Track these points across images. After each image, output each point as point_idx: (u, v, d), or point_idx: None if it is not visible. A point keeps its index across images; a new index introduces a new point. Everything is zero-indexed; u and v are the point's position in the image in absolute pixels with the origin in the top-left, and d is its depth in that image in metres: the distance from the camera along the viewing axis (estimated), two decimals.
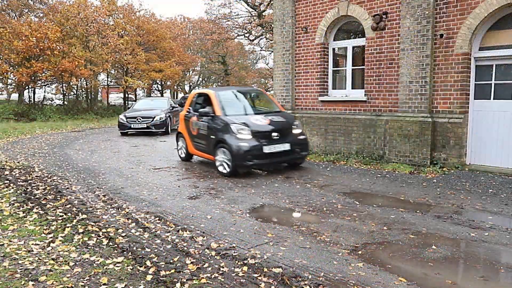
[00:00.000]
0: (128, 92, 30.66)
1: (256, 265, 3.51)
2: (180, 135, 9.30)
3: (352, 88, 9.49)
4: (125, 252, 3.82)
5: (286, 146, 7.43)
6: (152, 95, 38.44)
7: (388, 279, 3.24)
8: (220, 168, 7.50)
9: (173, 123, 16.11)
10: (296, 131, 7.82)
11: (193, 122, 8.50)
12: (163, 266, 3.51)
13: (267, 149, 7.20)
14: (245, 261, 3.58)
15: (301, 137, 7.91)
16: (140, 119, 15.03)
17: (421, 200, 5.64)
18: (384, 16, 8.42)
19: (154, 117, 15.12)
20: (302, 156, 7.98)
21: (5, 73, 21.78)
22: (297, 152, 7.72)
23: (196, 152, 8.60)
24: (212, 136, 7.75)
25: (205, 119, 8.02)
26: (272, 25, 11.98)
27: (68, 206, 5.43)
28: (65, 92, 25.30)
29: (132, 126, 15.03)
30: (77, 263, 3.55)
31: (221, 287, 3.13)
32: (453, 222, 4.65)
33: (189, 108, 9.02)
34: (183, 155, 9.25)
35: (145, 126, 14.96)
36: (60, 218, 4.88)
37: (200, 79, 50.38)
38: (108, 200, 5.77)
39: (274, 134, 7.36)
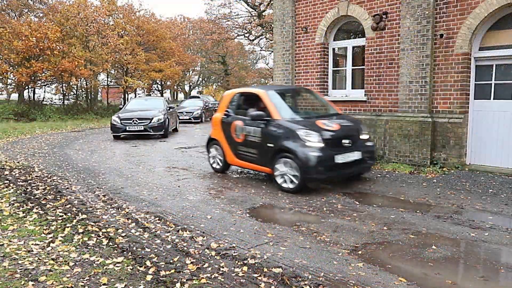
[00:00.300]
0: (128, 92, 30.66)
1: (256, 265, 3.51)
2: (214, 142, 7.91)
3: (352, 88, 9.49)
4: (125, 252, 3.82)
5: (357, 155, 6.36)
6: (152, 95, 38.38)
7: (388, 279, 3.24)
8: (282, 183, 6.24)
9: (170, 124, 15.09)
10: (364, 136, 6.78)
11: (238, 127, 7.17)
12: (163, 266, 3.51)
13: (339, 159, 6.10)
14: (245, 261, 3.58)
15: (369, 143, 6.86)
16: (136, 120, 13.45)
17: (421, 200, 5.64)
18: (384, 16, 8.42)
19: (152, 119, 13.59)
20: (370, 165, 6.97)
21: (5, 73, 21.80)
22: (366, 161, 6.64)
23: (240, 162, 7.28)
24: (269, 144, 6.47)
25: (257, 124, 6.72)
26: (272, 25, 11.98)
27: (68, 206, 5.43)
28: (65, 92, 25.31)
29: (127, 129, 13.42)
30: (77, 263, 3.55)
31: (221, 287, 3.13)
32: (453, 222, 4.65)
33: (227, 111, 7.69)
34: (218, 166, 7.85)
35: (142, 129, 13.43)
36: (60, 218, 4.88)
37: (200, 79, 50.41)
38: (108, 200, 5.77)
39: (345, 141, 6.27)
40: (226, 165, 7.73)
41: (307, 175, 5.97)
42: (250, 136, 6.92)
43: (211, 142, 8.07)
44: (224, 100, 8.06)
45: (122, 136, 13.90)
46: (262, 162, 6.69)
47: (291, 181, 6.12)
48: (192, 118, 21.11)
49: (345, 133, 6.41)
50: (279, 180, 6.30)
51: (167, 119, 14.20)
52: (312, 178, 6.09)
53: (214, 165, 7.98)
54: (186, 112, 21.57)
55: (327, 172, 6.04)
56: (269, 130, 6.53)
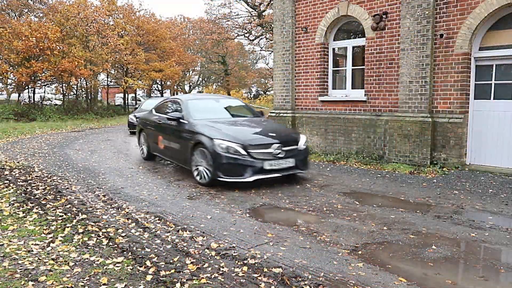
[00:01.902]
0: (129, 93, 30.65)
1: (256, 265, 3.51)
2: None
3: (352, 88, 9.49)
4: (125, 252, 3.82)
5: None
6: (151, 95, 38.33)
7: (388, 279, 3.24)
8: None
9: None
10: None
11: None
12: (163, 266, 3.51)
13: None
14: (245, 261, 3.58)
15: None
16: (279, 148, 6.49)
17: (421, 200, 5.64)
18: (384, 16, 8.42)
19: (297, 142, 6.95)
20: None
21: (5, 73, 21.79)
22: None
23: None
24: None
25: None
26: (272, 25, 11.98)
27: (68, 206, 5.43)
28: (65, 92, 25.30)
29: (264, 167, 6.33)
30: (77, 263, 3.55)
31: (221, 287, 3.13)
32: (453, 222, 4.65)
33: None
34: None
35: (292, 165, 6.66)
36: (60, 218, 4.88)
37: (200, 79, 50.42)
38: (108, 200, 5.77)
39: None
40: None
41: None
42: None
43: None
44: None
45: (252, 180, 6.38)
46: None
47: None
48: None
49: None
50: None
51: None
52: None
53: None
54: None
55: None
56: None
